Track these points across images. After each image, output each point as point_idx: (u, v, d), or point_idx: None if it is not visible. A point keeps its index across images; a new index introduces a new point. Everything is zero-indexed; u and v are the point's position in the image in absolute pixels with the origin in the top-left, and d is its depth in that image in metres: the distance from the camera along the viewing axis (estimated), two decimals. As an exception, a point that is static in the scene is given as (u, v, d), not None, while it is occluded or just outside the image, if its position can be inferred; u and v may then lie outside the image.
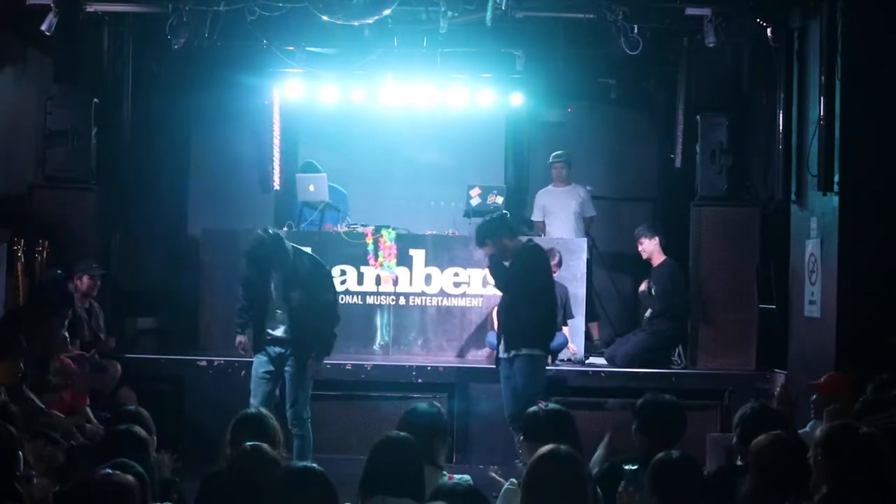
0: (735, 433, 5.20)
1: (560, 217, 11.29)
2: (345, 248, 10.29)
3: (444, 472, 4.86)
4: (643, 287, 10.49)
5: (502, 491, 4.66)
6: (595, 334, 11.04)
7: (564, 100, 12.46)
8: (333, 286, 8.39)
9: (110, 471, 3.55)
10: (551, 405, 5.24)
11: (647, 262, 10.44)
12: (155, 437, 5.01)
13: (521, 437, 5.04)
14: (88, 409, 7.69)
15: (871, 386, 5.71)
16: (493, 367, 9.75)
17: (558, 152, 11.49)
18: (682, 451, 4.37)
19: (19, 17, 9.20)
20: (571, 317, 10.19)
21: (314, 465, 3.88)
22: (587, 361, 10.22)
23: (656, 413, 5.12)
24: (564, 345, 10.00)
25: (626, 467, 4.31)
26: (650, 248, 10.35)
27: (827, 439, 4.15)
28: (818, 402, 6.26)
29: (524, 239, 8.68)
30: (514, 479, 4.58)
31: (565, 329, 10.07)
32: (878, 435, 4.16)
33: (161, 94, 11.23)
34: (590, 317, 10.79)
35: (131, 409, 5.36)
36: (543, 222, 11.40)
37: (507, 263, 8.23)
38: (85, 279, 9.18)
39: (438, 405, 5.30)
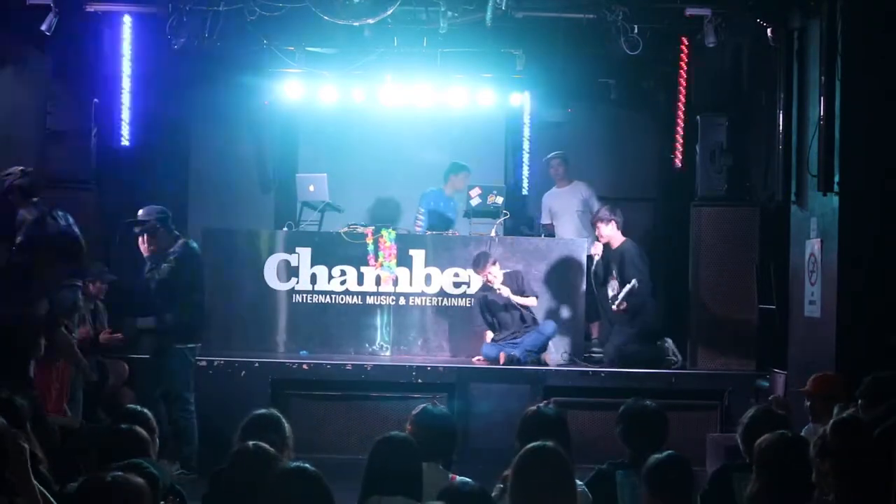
0: (738, 434, 5.22)
1: (565, 217, 11.26)
2: (345, 248, 10.30)
3: (450, 474, 4.84)
4: (596, 255, 10.20)
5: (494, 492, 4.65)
6: (595, 333, 11.02)
7: (564, 100, 12.45)
8: None
9: (120, 472, 3.48)
10: (550, 408, 5.23)
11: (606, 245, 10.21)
12: (157, 439, 4.99)
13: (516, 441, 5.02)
14: (67, 409, 7.74)
15: (861, 388, 5.70)
16: (494, 366, 9.80)
17: (554, 152, 11.49)
18: (671, 451, 4.40)
19: (19, 16, 9.21)
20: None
21: (307, 465, 3.85)
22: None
23: (638, 420, 5.12)
24: (554, 334, 9.95)
25: (619, 472, 4.33)
26: (608, 231, 10.15)
27: (833, 436, 4.16)
28: (814, 404, 6.26)
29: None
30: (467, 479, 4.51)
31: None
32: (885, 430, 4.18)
33: (161, 94, 11.21)
34: (589, 316, 10.78)
35: (135, 409, 5.25)
36: (552, 224, 11.37)
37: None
38: (98, 284, 9.26)
39: (441, 405, 5.28)
